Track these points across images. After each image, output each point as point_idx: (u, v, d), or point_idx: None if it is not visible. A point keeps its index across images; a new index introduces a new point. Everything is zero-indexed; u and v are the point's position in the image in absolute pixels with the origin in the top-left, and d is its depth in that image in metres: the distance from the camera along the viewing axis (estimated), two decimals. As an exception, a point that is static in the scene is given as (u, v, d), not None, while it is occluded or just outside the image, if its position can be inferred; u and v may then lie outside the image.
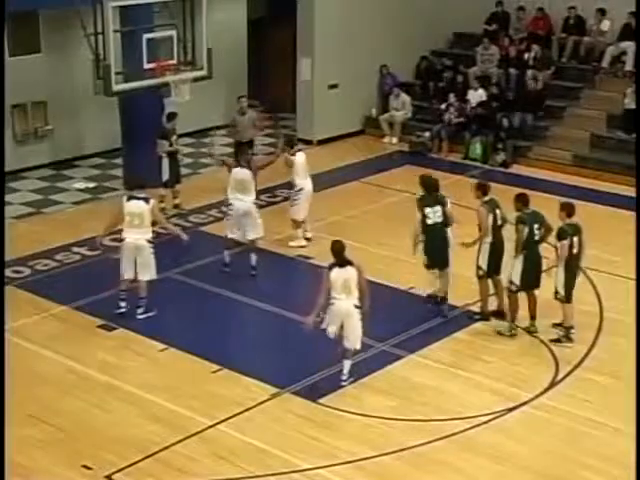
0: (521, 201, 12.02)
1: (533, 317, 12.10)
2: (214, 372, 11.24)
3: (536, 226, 11.83)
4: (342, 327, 10.79)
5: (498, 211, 12.17)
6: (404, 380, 11.19)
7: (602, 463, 9.65)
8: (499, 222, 12.13)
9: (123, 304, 12.50)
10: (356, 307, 10.71)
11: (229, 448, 9.82)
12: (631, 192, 17.28)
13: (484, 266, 12.16)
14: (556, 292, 11.82)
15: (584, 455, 9.78)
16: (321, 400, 10.67)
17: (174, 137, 16.06)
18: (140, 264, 12.28)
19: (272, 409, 10.54)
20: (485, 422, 10.27)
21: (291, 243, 14.70)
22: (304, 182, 14.59)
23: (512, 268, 11.94)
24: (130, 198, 12.30)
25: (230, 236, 13.73)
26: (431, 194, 12.29)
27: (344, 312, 10.72)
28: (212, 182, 16.78)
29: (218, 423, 10.21)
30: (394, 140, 20.46)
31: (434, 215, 12.12)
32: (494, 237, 12.10)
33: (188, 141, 20.07)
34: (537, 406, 10.61)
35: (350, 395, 10.80)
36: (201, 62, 16.30)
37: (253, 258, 13.67)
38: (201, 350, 11.61)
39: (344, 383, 10.97)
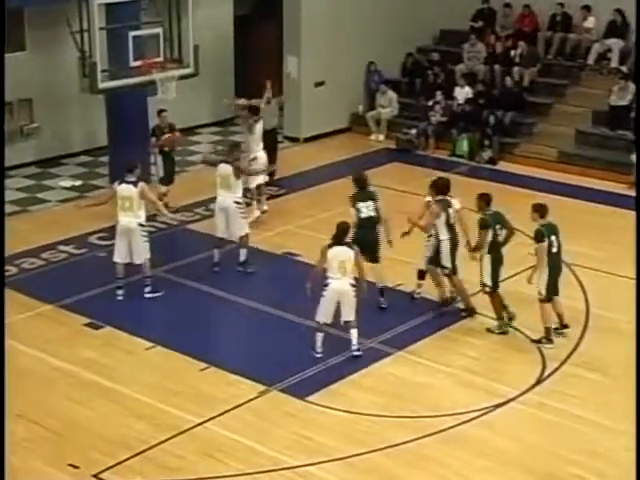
0: (484, 200, 12.12)
1: (500, 318, 12.19)
2: (202, 370, 11.23)
3: (498, 227, 11.91)
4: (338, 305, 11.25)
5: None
6: (392, 377, 11.21)
7: (589, 459, 9.69)
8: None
9: (119, 292, 12.75)
10: (351, 285, 11.11)
11: (217, 446, 9.82)
12: (616, 188, 17.37)
13: (448, 264, 12.41)
14: (539, 293, 11.85)
15: (571, 451, 9.81)
16: (309, 397, 10.68)
17: (167, 134, 15.97)
18: (133, 247, 12.61)
19: (260, 406, 10.55)
20: (473, 418, 10.30)
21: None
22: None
23: (482, 270, 12.02)
24: (121, 182, 12.73)
25: (218, 235, 13.71)
26: (363, 190, 12.69)
27: (339, 291, 11.13)
28: (199, 180, 16.77)
29: (206, 421, 10.20)
30: (381, 137, 20.48)
31: (367, 209, 12.43)
32: (450, 233, 12.32)
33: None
34: (524, 402, 10.65)
35: (338, 392, 10.82)
36: (187, 60, 16.27)
37: (242, 253, 13.67)
38: (189, 348, 11.60)
39: (357, 353, 11.37)
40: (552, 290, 11.82)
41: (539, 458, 9.73)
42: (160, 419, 10.24)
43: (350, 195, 12.75)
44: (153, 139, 16.00)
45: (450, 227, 12.37)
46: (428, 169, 18.55)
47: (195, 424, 10.14)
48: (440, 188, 12.54)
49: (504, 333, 12.10)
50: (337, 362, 11.40)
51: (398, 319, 12.32)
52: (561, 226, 15.48)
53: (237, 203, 13.60)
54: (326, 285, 11.21)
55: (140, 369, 11.34)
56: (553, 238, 11.75)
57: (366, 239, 12.22)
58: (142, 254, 12.68)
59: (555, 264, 11.81)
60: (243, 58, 21.81)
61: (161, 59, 15.93)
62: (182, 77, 16.26)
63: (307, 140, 20.04)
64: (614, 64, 19.72)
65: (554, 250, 11.75)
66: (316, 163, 18.43)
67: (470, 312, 12.53)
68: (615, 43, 19.68)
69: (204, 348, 11.68)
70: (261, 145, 15.58)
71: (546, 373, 11.22)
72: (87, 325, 12.28)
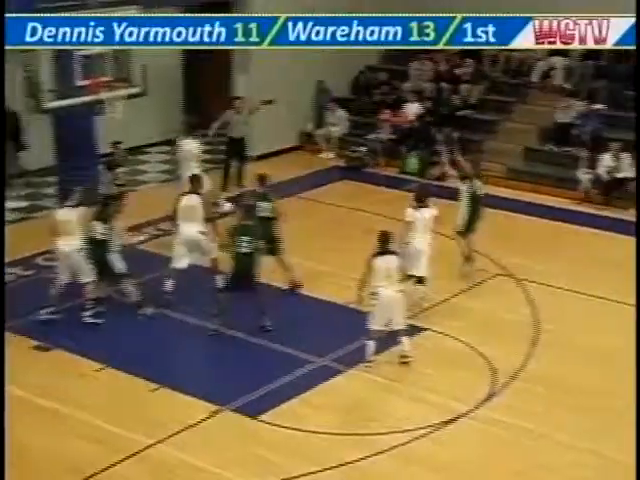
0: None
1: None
2: (152, 391, 11.13)
3: (245, 238, 12.15)
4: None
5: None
6: (343, 394, 11.21)
7: (539, 473, 9.77)
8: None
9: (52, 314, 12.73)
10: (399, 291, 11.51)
11: (169, 467, 9.73)
12: (564, 204, 17.60)
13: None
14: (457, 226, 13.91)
15: (521, 465, 9.88)
16: (261, 416, 10.63)
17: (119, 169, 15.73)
18: (76, 269, 12.59)
19: (212, 427, 10.47)
20: (424, 434, 10.32)
21: None
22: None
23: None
24: (60, 208, 12.88)
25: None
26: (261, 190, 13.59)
27: (388, 299, 11.39)
28: (148, 199, 16.66)
29: (157, 442, 10.10)
30: (331, 155, 20.55)
31: (263, 210, 13.24)
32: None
33: (123, 158, 19.90)
34: (475, 417, 10.70)
35: (290, 411, 10.78)
36: (135, 79, 16.18)
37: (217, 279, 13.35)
38: (139, 369, 11.49)
39: (410, 359, 11.66)
40: (468, 227, 13.88)
41: (490, 473, 9.78)
42: (110, 441, 10.11)
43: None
44: (108, 174, 15.67)
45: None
46: (378, 186, 18.68)
47: (146, 446, 10.03)
48: (416, 197, 13.16)
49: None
50: (289, 380, 11.37)
51: (350, 337, 12.31)
52: (509, 241, 15.80)
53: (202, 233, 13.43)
54: (374, 294, 11.42)
55: (90, 391, 11.20)
56: (478, 183, 13.98)
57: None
58: (85, 274, 12.59)
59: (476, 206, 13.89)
60: (193, 77, 21.76)
61: (108, 78, 15.83)
62: (130, 96, 16.17)
63: (259, 158, 20.01)
64: (558, 81, 20.04)
65: (478, 192, 13.92)
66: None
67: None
68: (558, 61, 20.00)
69: (154, 369, 11.57)
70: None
71: (496, 388, 11.29)
72: (35, 348, 12.11)
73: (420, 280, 12.93)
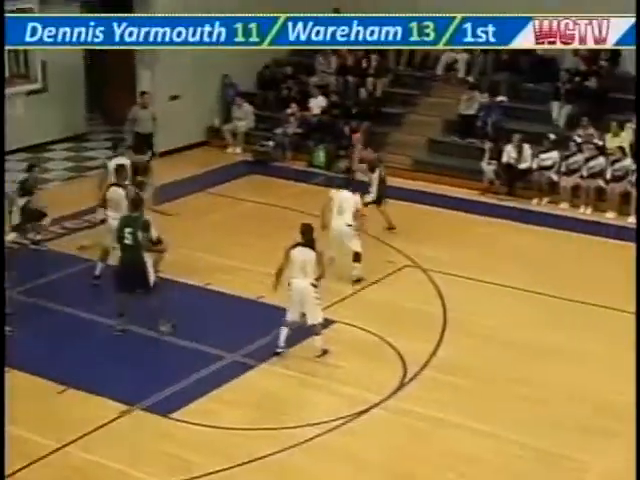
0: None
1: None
2: (60, 392, 10.91)
3: (128, 230, 11.98)
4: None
5: None
6: (255, 390, 11.18)
7: (452, 461, 9.88)
8: None
9: None
10: (312, 285, 11.49)
11: (80, 471, 9.56)
12: (467, 194, 17.88)
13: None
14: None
15: (434, 454, 10.00)
16: (173, 414, 10.52)
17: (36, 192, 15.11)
18: None
19: (123, 426, 10.33)
20: (337, 426, 10.36)
21: None
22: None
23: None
24: None
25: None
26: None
27: (301, 291, 11.47)
28: (51, 198, 16.32)
29: (66, 445, 9.91)
30: (238, 150, 20.47)
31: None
32: None
33: (24, 156, 19.45)
34: (387, 408, 10.79)
35: (202, 408, 10.70)
36: (35, 75, 15.84)
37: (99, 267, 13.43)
38: (44, 370, 11.25)
39: (326, 353, 11.70)
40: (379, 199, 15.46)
41: (403, 463, 9.87)
42: (17, 446, 9.82)
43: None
44: (22, 199, 14.77)
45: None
46: (285, 180, 18.68)
47: (55, 449, 9.83)
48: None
49: None
50: (200, 377, 11.28)
51: (260, 331, 12.28)
52: (415, 232, 16.00)
53: None
54: (289, 284, 11.51)
55: (-6, 395, 10.90)
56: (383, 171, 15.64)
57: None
58: None
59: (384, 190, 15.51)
60: (96, 72, 21.40)
61: (7, 74, 15.43)
62: (30, 92, 15.83)
63: (162, 155, 19.78)
64: (461, 74, 20.34)
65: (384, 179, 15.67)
66: (172, 177, 18.21)
67: None
68: (460, 54, 20.29)
69: (61, 369, 11.35)
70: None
71: (407, 378, 11.40)
72: None
73: (357, 257, 13.72)
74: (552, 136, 17.91)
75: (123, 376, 11.37)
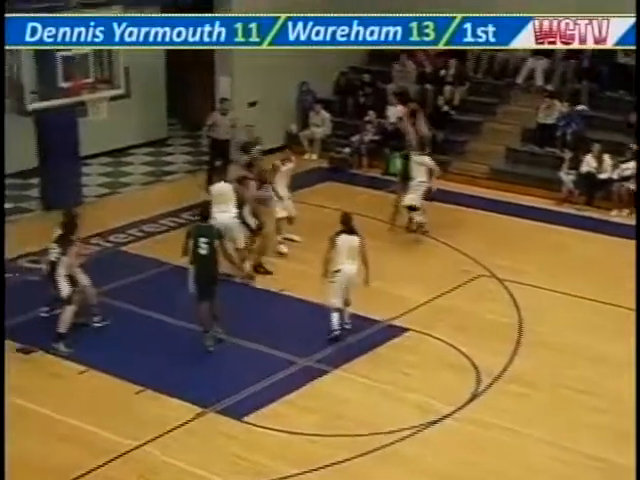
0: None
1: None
2: (137, 393, 11.11)
3: (203, 240, 12.04)
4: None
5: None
6: (328, 395, 11.22)
7: (524, 473, 9.80)
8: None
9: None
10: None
11: (154, 469, 9.72)
12: (545, 204, 17.67)
13: None
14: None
15: (506, 466, 9.91)
16: (245, 418, 10.63)
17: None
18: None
19: (197, 428, 10.47)
20: (408, 436, 10.34)
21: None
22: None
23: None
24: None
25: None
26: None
27: (349, 276, 11.96)
28: (131, 201, 16.65)
29: (142, 445, 10.09)
30: (314, 156, 20.56)
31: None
32: None
33: (106, 160, 19.88)
34: (459, 418, 10.73)
35: (274, 412, 10.78)
36: (118, 80, 16.15)
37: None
38: (123, 371, 11.47)
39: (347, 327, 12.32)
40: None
41: (474, 474, 9.81)
42: (95, 444, 10.09)
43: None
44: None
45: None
46: (361, 187, 18.70)
47: (131, 448, 10.02)
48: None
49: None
50: (273, 382, 11.38)
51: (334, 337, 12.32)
52: (492, 241, 15.86)
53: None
54: (338, 270, 11.92)
55: (73, 394, 11.17)
56: None
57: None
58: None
59: None
60: (176, 79, 21.72)
61: (91, 80, 15.79)
62: (113, 98, 16.14)
63: (241, 160, 19.96)
64: (539, 83, 20.13)
65: None
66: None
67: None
68: (539, 62, 20.08)
69: (139, 371, 11.55)
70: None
71: (481, 388, 11.33)
72: (18, 350, 12.06)
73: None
74: (634, 146, 17.61)
75: (199, 378, 11.53)
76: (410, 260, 15.02)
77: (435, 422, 10.61)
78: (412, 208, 15.62)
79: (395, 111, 20.19)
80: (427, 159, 15.92)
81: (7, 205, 17.47)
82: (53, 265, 12.09)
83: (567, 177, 17.87)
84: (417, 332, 12.62)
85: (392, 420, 10.64)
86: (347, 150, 20.03)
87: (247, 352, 12.10)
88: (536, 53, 20.09)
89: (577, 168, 17.80)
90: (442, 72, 20.63)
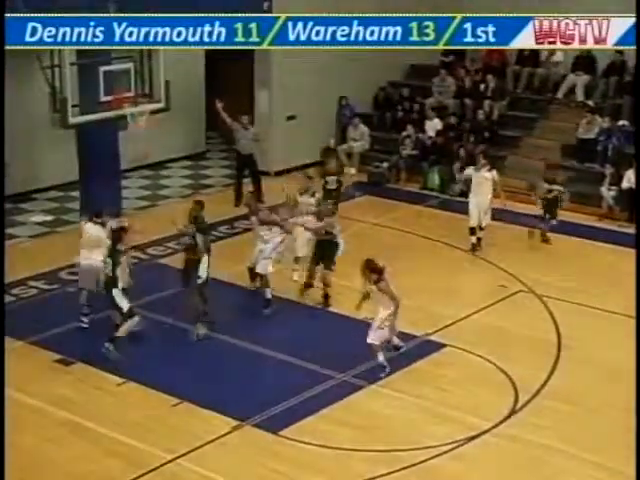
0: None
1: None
2: (174, 406, 11.14)
3: None
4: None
5: None
6: (364, 410, 11.18)
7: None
8: None
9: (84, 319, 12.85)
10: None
11: (189, 482, 9.74)
12: (586, 220, 17.52)
13: None
14: None
15: (545, 483, 9.83)
16: (282, 432, 10.61)
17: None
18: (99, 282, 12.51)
19: (233, 442, 10.47)
20: (446, 452, 10.27)
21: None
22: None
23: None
24: (88, 221, 12.94)
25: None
26: None
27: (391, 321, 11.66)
28: (168, 215, 16.69)
29: (178, 457, 10.10)
30: (353, 171, 20.57)
31: None
32: None
33: (146, 173, 20.03)
34: (498, 434, 10.64)
35: (311, 426, 10.76)
36: (159, 94, 16.29)
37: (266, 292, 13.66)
38: (160, 384, 11.50)
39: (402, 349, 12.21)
40: None
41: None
42: (131, 456, 10.13)
43: None
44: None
45: None
46: (399, 202, 18.67)
47: (167, 460, 10.04)
48: None
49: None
50: (309, 396, 11.35)
51: (369, 353, 12.27)
52: (531, 258, 15.73)
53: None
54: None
55: (111, 405, 11.22)
56: None
57: None
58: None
59: None
60: (215, 92, 21.84)
61: (132, 94, 15.95)
62: (153, 112, 16.28)
63: (278, 173, 20.04)
64: (580, 98, 20.00)
65: None
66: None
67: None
68: (580, 78, 19.95)
69: (175, 383, 11.58)
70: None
71: (519, 404, 11.22)
72: (58, 361, 12.15)
73: None
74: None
75: (236, 392, 11.54)
76: (448, 275, 14.95)
77: (473, 438, 10.53)
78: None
79: (432, 124, 20.20)
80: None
81: (49, 217, 17.72)
82: (110, 280, 12.02)
83: (608, 193, 17.71)
84: (455, 347, 12.54)
85: (430, 436, 10.57)
86: (385, 164, 20.02)
87: (285, 366, 12.09)
88: (576, 69, 19.98)
89: (618, 184, 17.64)
90: (481, 87, 20.57)
